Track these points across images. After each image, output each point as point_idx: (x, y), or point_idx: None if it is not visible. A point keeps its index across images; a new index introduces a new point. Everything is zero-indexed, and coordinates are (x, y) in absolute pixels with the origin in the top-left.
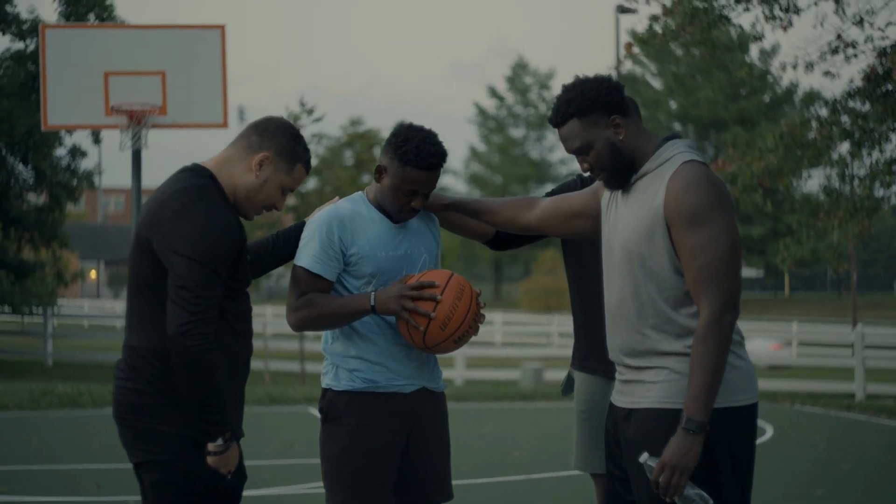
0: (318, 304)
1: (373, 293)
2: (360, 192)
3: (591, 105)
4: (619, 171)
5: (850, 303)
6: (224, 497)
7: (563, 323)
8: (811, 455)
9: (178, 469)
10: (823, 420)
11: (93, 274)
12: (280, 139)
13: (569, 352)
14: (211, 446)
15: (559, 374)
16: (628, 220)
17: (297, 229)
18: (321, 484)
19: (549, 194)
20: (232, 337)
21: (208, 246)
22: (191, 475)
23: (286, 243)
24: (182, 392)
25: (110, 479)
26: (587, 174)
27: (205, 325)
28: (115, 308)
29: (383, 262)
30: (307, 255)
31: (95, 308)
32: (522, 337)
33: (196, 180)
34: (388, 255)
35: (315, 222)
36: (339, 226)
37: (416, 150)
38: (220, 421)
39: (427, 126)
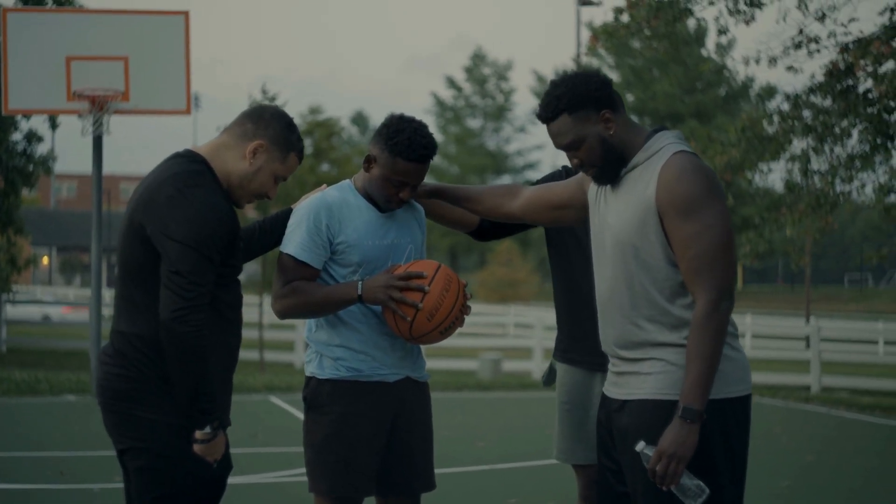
0: (305, 292)
1: (360, 282)
2: (347, 181)
3: (582, 100)
4: (610, 166)
5: (802, 296)
6: (209, 485)
7: (520, 314)
8: (773, 448)
9: (163, 456)
10: (783, 412)
11: (45, 260)
12: (275, 127)
13: (526, 342)
14: (198, 434)
15: (517, 365)
16: (619, 212)
17: (284, 216)
18: (286, 473)
19: (534, 185)
20: (221, 324)
21: (202, 232)
22: (176, 463)
23: (272, 230)
24: (173, 378)
25: (73, 466)
26: (576, 169)
27: (198, 311)
28: (67, 294)
29: (370, 251)
30: (294, 242)
31: (48, 294)
32: (479, 327)
33: (190, 166)
34: (375, 245)
35: (302, 210)
36: (326, 213)
37: (407, 141)
38: (209, 409)
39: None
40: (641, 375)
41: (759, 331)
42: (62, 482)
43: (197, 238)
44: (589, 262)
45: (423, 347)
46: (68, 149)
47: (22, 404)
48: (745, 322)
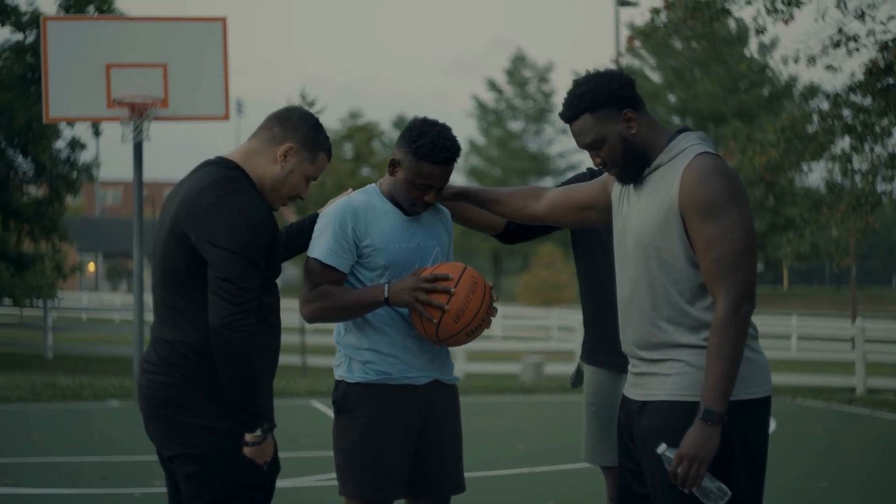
0: (332, 296)
1: (386, 285)
2: (373, 185)
3: (604, 99)
4: (632, 166)
5: (848, 297)
6: (259, 488)
7: (563, 317)
8: (814, 448)
9: (214, 461)
10: (825, 414)
11: (91, 267)
12: (302, 129)
13: (569, 346)
14: (249, 437)
15: (559, 368)
16: (642, 212)
17: (311, 221)
18: (325, 477)
19: (559, 187)
20: (264, 327)
21: (247, 237)
22: (227, 467)
23: (299, 235)
24: (223, 383)
25: (115, 471)
26: (599, 168)
27: (248, 316)
28: (113, 301)
29: (396, 254)
30: (320, 246)
31: (94, 300)
32: (522, 330)
33: (226, 172)
34: (402, 248)
35: (328, 214)
36: (352, 217)
37: (431, 144)
38: (259, 412)
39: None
40: (661, 376)
41: (805, 332)
42: (104, 487)
43: (242, 243)
44: (613, 263)
45: (463, 350)
46: (113, 156)
47: (66, 410)
48: (791, 324)
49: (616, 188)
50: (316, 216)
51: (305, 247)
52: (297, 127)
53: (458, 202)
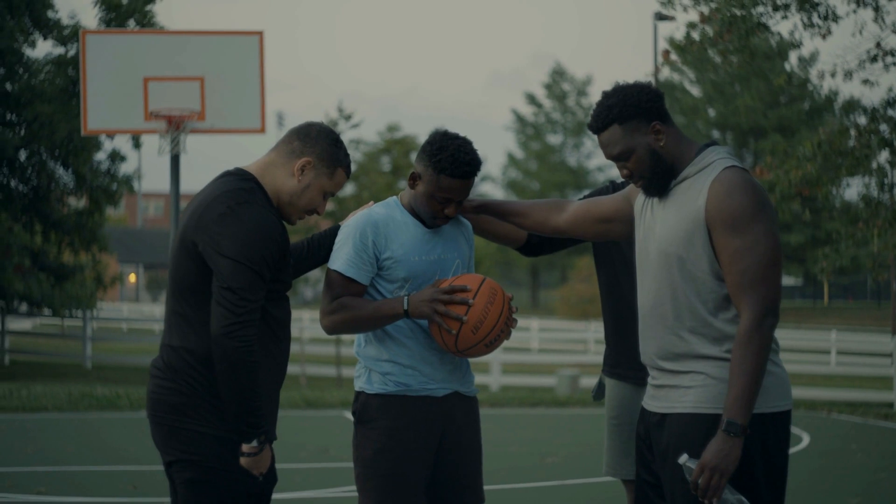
0: (352, 308)
1: (406, 297)
2: (393, 197)
3: (632, 111)
4: (659, 178)
5: (889, 312)
6: (254, 498)
7: (599, 330)
8: (847, 463)
9: (210, 468)
10: (860, 429)
11: (132, 278)
12: (321, 144)
13: None
14: (245, 447)
15: (595, 381)
16: (667, 223)
17: (332, 233)
18: (355, 487)
19: (581, 199)
20: (271, 340)
21: (254, 248)
22: (223, 475)
23: (320, 247)
24: (222, 392)
25: (147, 480)
26: (624, 180)
27: (248, 326)
28: (153, 311)
29: (416, 267)
30: (341, 258)
31: (134, 311)
32: (558, 343)
33: (241, 183)
34: (422, 260)
35: (349, 226)
36: (373, 230)
37: (451, 158)
38: (256, 423)
39: (463, 133)
40: (682, 389)
41: (844, 347)
42: (134, 496)
43: (248, 254)
44: (634, 276)
45: (499, 363)
46: (155, 168)
47: (102, 419)
48: (830, 338)
49: (639, 200)
50: (337, 228)
51: (326, 258)
52: (317, 142)
53: (480, 215)
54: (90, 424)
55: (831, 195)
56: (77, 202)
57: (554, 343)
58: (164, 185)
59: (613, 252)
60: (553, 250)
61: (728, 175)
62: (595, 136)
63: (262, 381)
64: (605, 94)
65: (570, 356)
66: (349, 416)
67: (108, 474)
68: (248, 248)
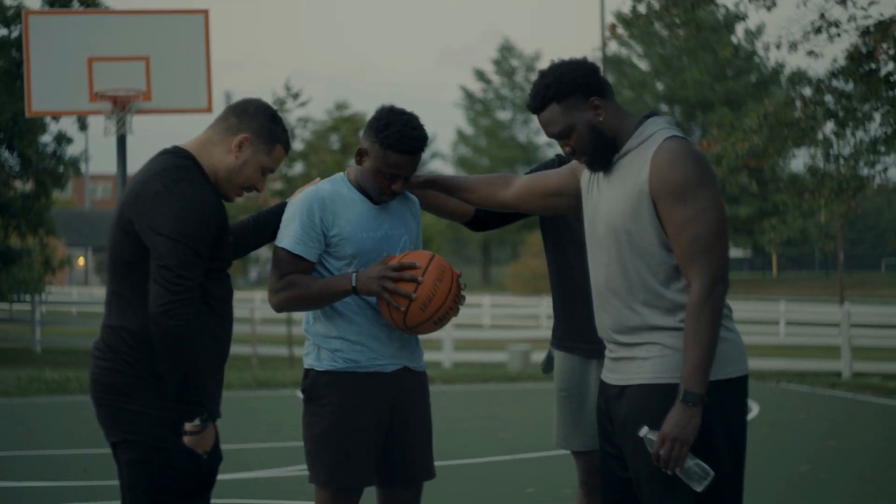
0: (300, 285)
1: (354, 274)
2: (340, 174)
3: (570, 88)
4: (602, 153)
5: (837, 282)
6: (199, 477)
7: (551, 305)
8: (796, 433)
9: (154, 449)
10: (809, 398)
11: (80, 261)
12: (259, 120)
13: None
14: (188, 426)
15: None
16: (612, 198)
17: (278, 210)
18: (306, 465)
19: (527, 174)
20: (212, 318)
21: (190, 226)
22: (167, 455)
23: (267, 224)
24: (162, 371)
25: (98, 463)
26: (568, 157)
27: (186, 304)
28: (103, 295)
29: (364, 243)
30: (288, 236)
31: (84, 295)
32: (510, 319)
33: (177, 161)
34: (369, 236)
35: (296, 203)
36: (320, 206)
37: (398, 134)
38: (198, 401)
39: (412, 110)
40: (638, 360)
41: (793, 318)
42: (86, 479)
43: (184, 232)
44: (583, 251)
45: (451, 339)
46: (103, 150)
47: (52, 403)
48: (779, 309)
49: (585, 175)
50: (284, 205)
51: (273, 236)
52: (254, 118)
53: (427, 190)
54: (40, 409)
55: (778, 167)
56: (23, 185)
57: (505, 319)
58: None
59: (561, 226)
60: (500, 225)
61: (669, 145)
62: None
63: (204, 359)
64: (542, 74)
65: (521, 332)
66: (301, 395)
67: (60, 458)
68: (184, 226)
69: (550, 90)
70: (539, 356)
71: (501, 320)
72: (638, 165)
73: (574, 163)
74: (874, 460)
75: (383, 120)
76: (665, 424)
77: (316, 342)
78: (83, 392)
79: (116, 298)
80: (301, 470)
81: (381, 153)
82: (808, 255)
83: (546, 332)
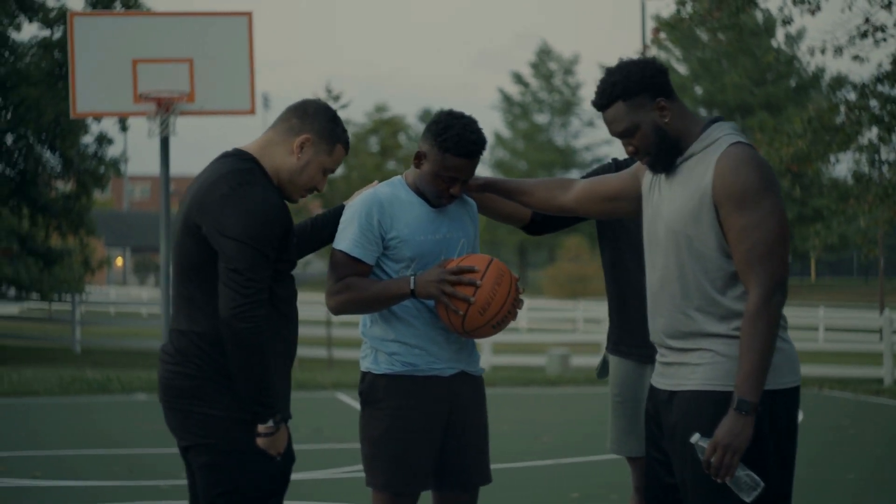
0: (358, 288)
1: (412, 277)
2: (398, 176)
3: (637, 87)
4: (665, 154)
5: (876, 288)
6: (274, 479)
7: (588, 309)
8: (841, 439)
9: (227, 452)
10: (853, 405)
11: (119, 261)
12: (320, 121)
13: (594, 337)
14: (261, 428)
15: (585, 360)
16: (674, 201)
17: (336, 212)
18: (351, 469)
19: (584, 178)
20: (279, 320)
21: (257, 228)
22: (241, 457)
23: (325, 227)
24: (234, 374)
25: (142, 463)
26: (629, 157)
27: (257, 307)
28: (141, 295)
29: (422, 246)
30: (346, 238)
31: (122, 295)
32: (548, 323)
33: (240, 164)
34: (427, 239)
35: (354, 206)
36: (378, 209)
37: (457, 137)
38: (271, 403)
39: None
40: (690, 366)
41: (832, 323)
42: (131, 479)
43: (252, 235)
44: (640, 254)
45: (489, 342)
46: (141, 151)
47: (94, 403)
48: (818, 315)
49: (647, 177)
50: (342, 208)
51: (331, 238)
52: (315, 118)
53: (485, 193)
54: (82, 408)
55: (821, 172)
56: (64, 186)
57: (543, 322)
58: (149, 167)
59: (618, 230)
60: (557, 229)
61: (734, 151)
62: (590, 117)
63: (273, 361)
64: (609, 71)
65: (559, 335)
66: (341, 397)
67: (104, 458)
68: (252, 229)
69: (617, 88)
70: (578, 360)
71: (539, 324)
72: (702, 169)
73: (635, 166)
74: None
75: (442, 123)
76: (717, 432)
77: (373, 345)
78: (124, 392)
79: (185, 302)
80: (342, 472)
81: (439, 156)
82: (846, 261)
83: (583, 335)
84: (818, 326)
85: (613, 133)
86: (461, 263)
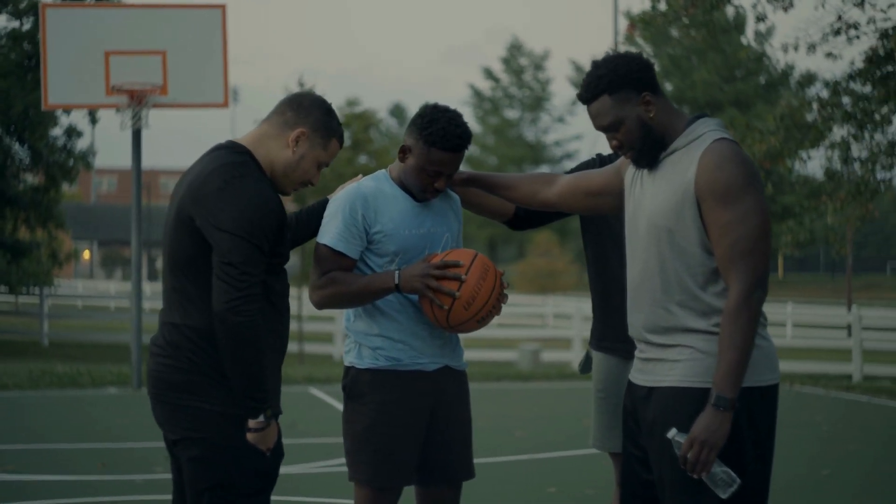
0: (342, 283)
1: (397, 272)
2: (383, 171)
3: (622, 81)
4: (649, 149)
5: (843, 284)
6: (262, 474)
7: (559, 304)
8: (815, 436)
9: (217, 446)
10: (824, 401)
11: (86, 254)
12: (315, 114)
13: (565, 333)
14: (252, 423)
15: (556, 356)
16: (656, 195)
17: (321, 206)
18: (325, 463)
19: (568, 173)
20: (273, 314)
21: (252, 222)
22: (230, 452)
23: (309, 221)
24: (227, 368)
25: (115, 458)
26: (613, 152)
27: (251, 301)
28: (108, 288)
29: (406, 241)
30: (330, 232)
31: (89, 288)
32: (518, 318)
33: (234, 157)
34: (412, 234)
35: (338, 200)
36: (362, 203)
37: (442, 131)
38: (262, 397)
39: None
40: (669, 362)
41: (800, 320)
42: (103, 473)
43: (247, 228)
44: (622, 249)
45: (461, 337)
46: (108, 144)
47: (64, 397)
48: (786, 311)
49: (629, 172)
50: (326, 202)
51: (315, 233)
52: (310, 112)
53: (469, 188)
54: (53, 403)
55: (792, 169)
56: (33, 178)
57: (513, 318)
58: (117, 160)
59: (601, 225)
60: (540, 224)
61: (718, 147)
62: (560, 113)
63: (266, 355)
64: (595, 64)
65: (529, 330)
66: (314, 392)
67: (76, 452)
68: (247, 222)
69: (603, 81)
70: (549, 355)
71: (509, 319)
72: (685, 165)
73: (619, 162)
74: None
75: (427, 117)
76: (694, 428)
77: (357, 340)
78: (95, 386)
79: (178, 295)
80: (318, 467)
81: (424, 150)
82: (813, 258)
83: (553, 331)
84: (786, 323)
85: (598, 127)
86: (446, 258)
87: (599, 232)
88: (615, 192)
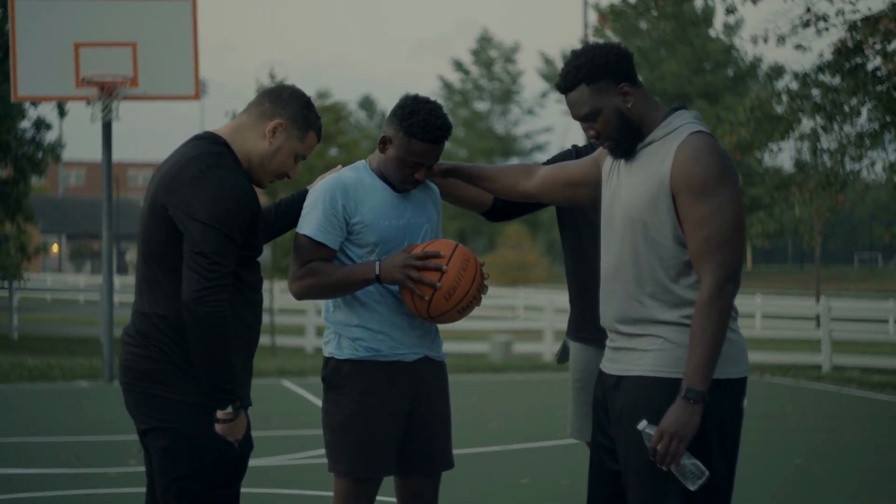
0: (322, 273)
1: (377, 262)
2: (362, 161)
3: (601, 71)
4: (626, 139)
5: (811, 275)
6: (231, 465)
7: (529, 297)
8: (785, 426)
9: (185, 436)
10: (794, 391)
11: (54, 248)
12: (293, 106)
13: (536, 325)
14: (220, 414)
15: (528, 347)
16: (632, 187)
17: (300, 196)
18: (298, 455)
19: (545, 164)
20: (244, 306)
21: (225, 212)
22: (198, 442)
23: (288, 211)
24: (195, 358)
25: (89, 451)
26: (592, 142)
27: (220, 291)
28: (77, 282)
29: (386, 232)
30: (310, 223)
31: (58, 282)
32: (489, 310)
33: (211, 147)
34: (391, 225)
35: (318, 190)
36: (342, 194)
37: (423, 122)
38: (230, 388)
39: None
40: (638, 352)
41: (769, 311)
42: (78, 466)
43: (220, 218)
44: (599, 239)
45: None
46: (77, 136)
47: (35, 390)
48: (755, 302)
49: (607, 162)
50: (305, 193)
51: (294, 224)
52: (288, 104)
53: (448, 179)
54: (24, 396)
55: (763, 160)
56: (1, 171)
57: (484, 310)
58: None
59: (578, 216)
60: (518, 215)
61: (694, 140)
62: (530, 105)
63: (236, 347)
64: (574, 54)
65: (500, 322)
66: (286, 384)
67: (50, 446)
68: (220, 212)
69: (581, 71)
70: (520, 347)
71: (479, 310)
72: (661, 157)
73: (597, 153)
74: (867, 453)
75: (408, 108)
76: (664, 420)
77: (336, 330)
78: (66, 379)
79: (149, 285)
80: (291, 459)
81: (405, 141)
82: (781, 249)
83: (524, 322)
84: (755, 314)
85: (575, 116)
86: (426, 248)
87: (576, 223)
88: (593, 183)
